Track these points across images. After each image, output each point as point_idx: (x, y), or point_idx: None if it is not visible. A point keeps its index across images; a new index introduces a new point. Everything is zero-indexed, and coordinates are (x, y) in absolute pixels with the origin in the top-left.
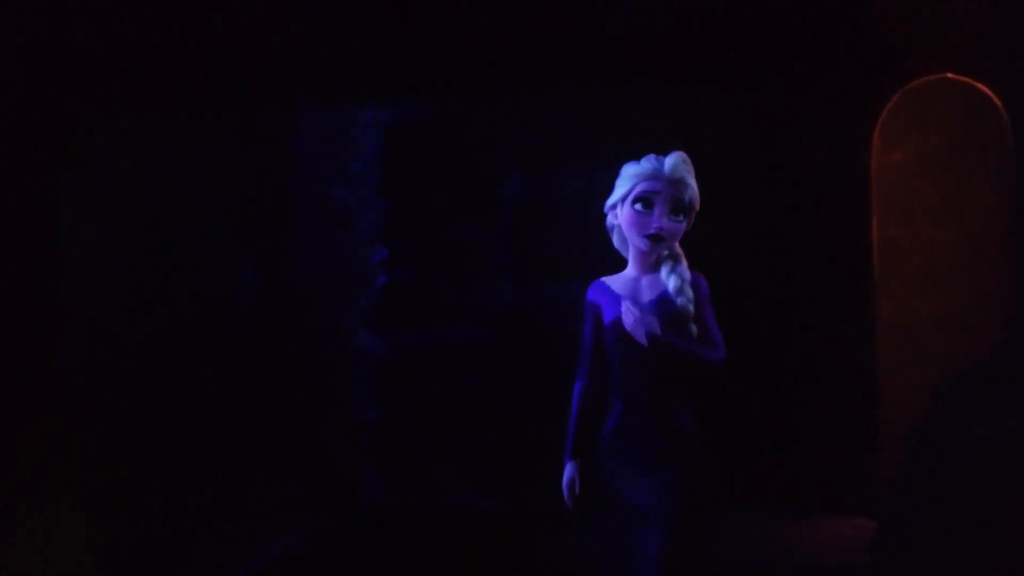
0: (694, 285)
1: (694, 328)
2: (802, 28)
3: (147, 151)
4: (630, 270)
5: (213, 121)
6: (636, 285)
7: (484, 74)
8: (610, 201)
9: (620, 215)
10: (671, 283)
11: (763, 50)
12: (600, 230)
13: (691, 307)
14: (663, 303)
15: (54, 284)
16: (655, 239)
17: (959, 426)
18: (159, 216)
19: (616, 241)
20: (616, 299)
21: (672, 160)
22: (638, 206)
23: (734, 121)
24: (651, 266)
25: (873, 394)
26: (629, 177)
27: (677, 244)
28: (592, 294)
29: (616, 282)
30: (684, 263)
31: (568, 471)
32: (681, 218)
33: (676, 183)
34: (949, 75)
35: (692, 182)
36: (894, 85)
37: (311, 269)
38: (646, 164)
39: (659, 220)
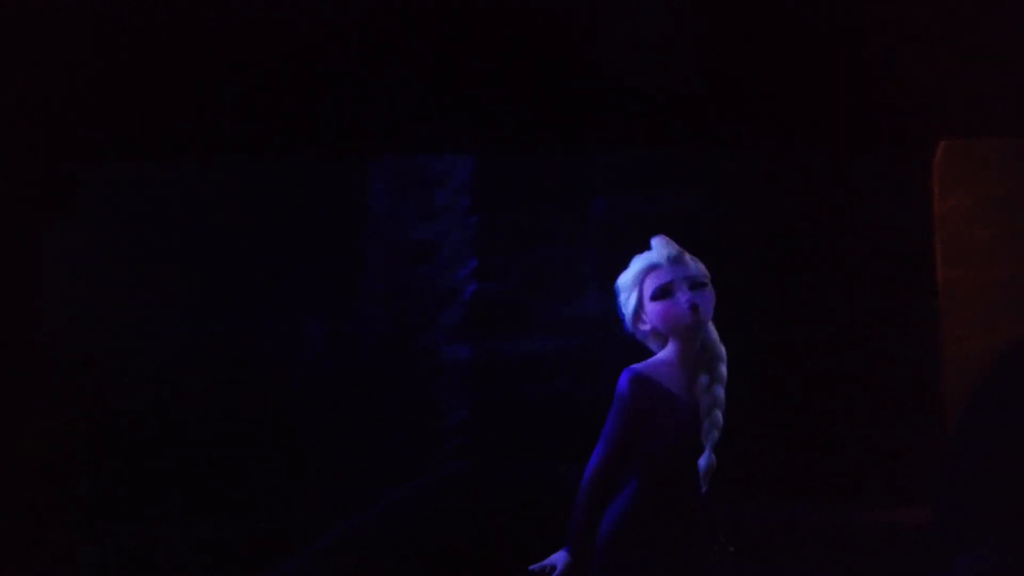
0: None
1: (705, 460)
2: (859, 81)
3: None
4: (670, 356)
5: (279, 166)
6: (675, 376)
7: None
8: (628, 318)
9: (648, 318)
10: (704, 400)
11: (816, 105)
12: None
13: (717, 434)
14: (691, 410)
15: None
16: (691, 312)
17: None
18: (209, 269)
19: (654, 346)
20: (669, 397)
21: (657, 247)
22: (659, 296)
23: (798, 174)
24: (689, 355)
25: (938, 428)
26: (629, 285)
27: (721, 345)
28: (627, 380)
29: (657, 371)
30: (723, 365)
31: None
32: (708, 291)
33: (676, 261)
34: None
35: (688, 257)
36: (948, 132)
37: (390, 306)
38: (637, 264)
39: (688, 295)
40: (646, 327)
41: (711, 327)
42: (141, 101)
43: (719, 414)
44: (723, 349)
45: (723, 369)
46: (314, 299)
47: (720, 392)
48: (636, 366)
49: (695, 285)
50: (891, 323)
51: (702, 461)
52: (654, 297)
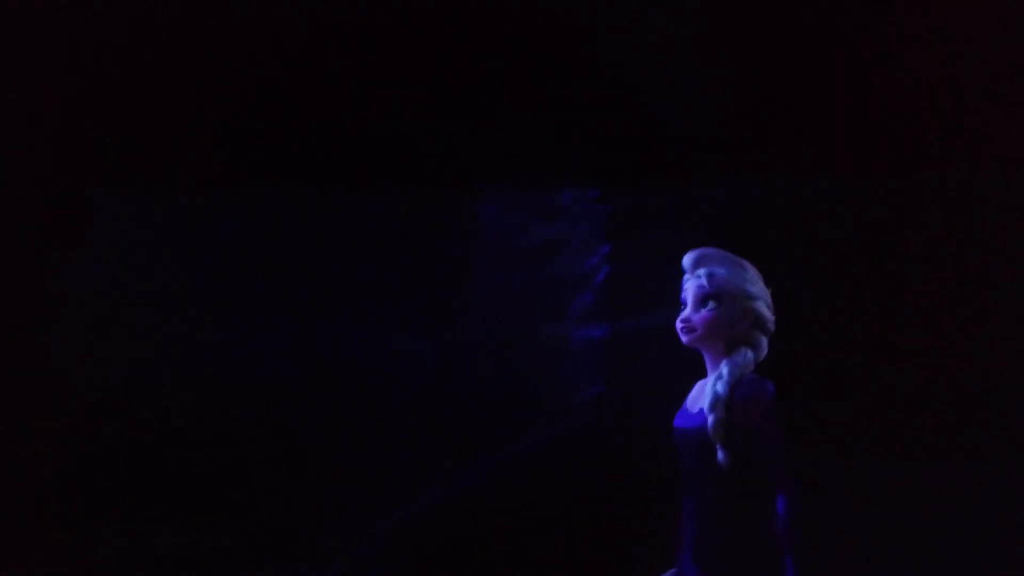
0: (747, 395)
1: (722, 456)
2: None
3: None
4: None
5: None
6: (700, 391)
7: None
8: None
9: None
10: (707, 396)
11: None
12: None
13: (720, 428)
14: (703, 416)
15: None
16: (684, 331)
17: None
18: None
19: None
20: (683, 410)
21: (688, 258)
22: (681, 311)
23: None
24: (715, 367)
25: None
26: None
27: (747, 349)
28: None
29: (695, 388)
30: (733, 368)
31: None
32: (711, 306)
33: (697, 275)
34: None
35: (718, 269)
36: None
37: (504, 313)
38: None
39: (686, 312)
40: None
41: (742, 350)
42: (188, 127)
43: (721, 403)
44: (748, 355)
45: (728, 366)
46: (420, 317)
47: (724, 380)
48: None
49: (703, 300)
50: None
51: (718, 457)
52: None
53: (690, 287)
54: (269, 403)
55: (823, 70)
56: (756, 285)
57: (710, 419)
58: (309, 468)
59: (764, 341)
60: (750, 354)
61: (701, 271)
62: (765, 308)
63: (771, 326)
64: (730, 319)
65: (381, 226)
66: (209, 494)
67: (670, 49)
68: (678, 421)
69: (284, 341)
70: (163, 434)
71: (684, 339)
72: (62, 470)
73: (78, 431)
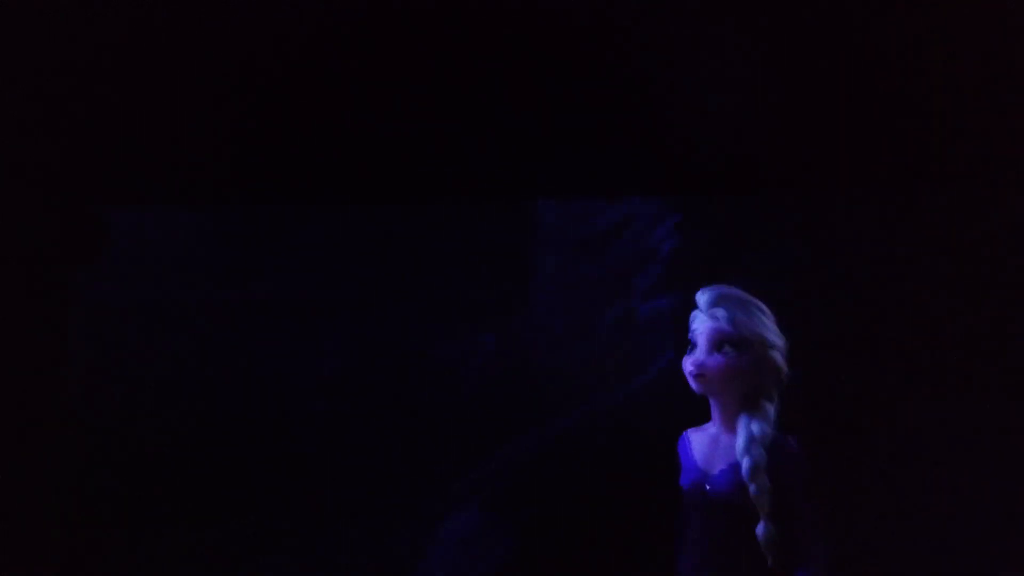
0: (783, 460)
1: (765, 529)
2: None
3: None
4: (712, 424)
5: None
6: (715, 447)
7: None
8: None
9: None
10: (745, 464)
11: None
12: None
13: (766, 498)
14: (736, 481)
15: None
16: (695, 377)
17: None
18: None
19: None
20: (692, 466)
21: (705, 295)
22: (688, 351)
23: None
24: (730, 420)
25: None
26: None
27: (769, 405)
28: (680, 445)
29: (698, 438)
30: (766, 428)
31: None
32: (728, 351)
33: (714, 315)
34: None
35: (738, 312)
36: None
37: (567, 300)
38: (694, 312)
39: (698, 355)
40: None
41: (765, 405)
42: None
43: (763, 471)
44: (771, 411)
45: (760, 427)
46: (483, 311)
47: (759, 443)
48: (689, 430)
49: (718, 344)
50: None
51: (759, 530)
52: (688, 348)
53: (704, 326)
54: (328, 400)
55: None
56: (775, 333)
57: (752, 488)
58: (380, 459)
59: (777, 394)
60: (771, 409)
61: (719, 311)
62: (782, 358)
63: (785, 378)
64: (749, 369)
65: (434, 237)
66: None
67: (731, 61)
68: (694, 483)
69: (340, 344)
70: (212, 445)
71: (694, 386)
72: (83, 482)
73: (98, 444)
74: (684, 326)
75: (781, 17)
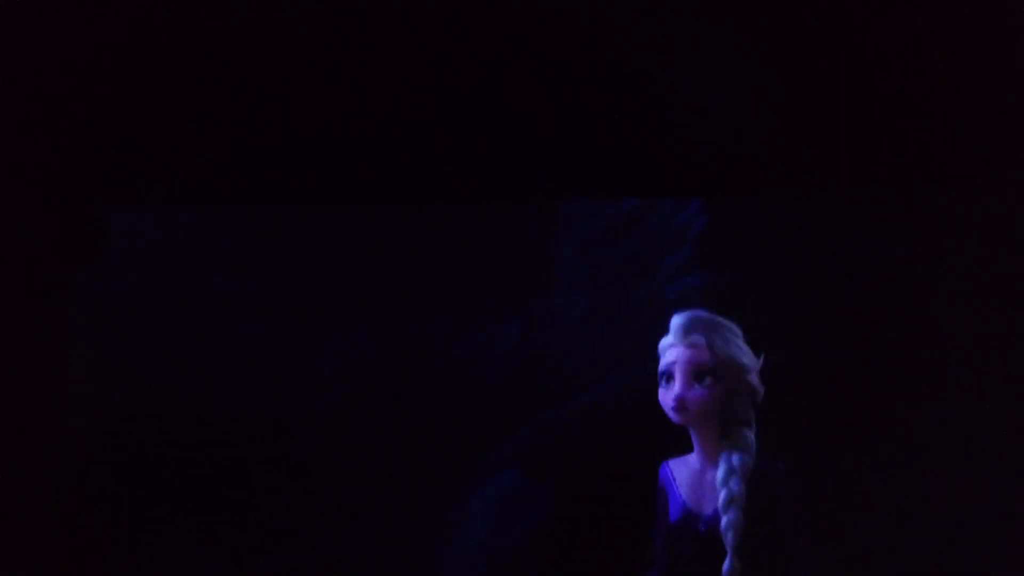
0: (768, 489)
1: (727, 566)
2: None
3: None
4: (695, 456)
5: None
6: (701, 483)
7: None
8: None
9: None
10: (721, 495)
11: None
12: None
13: (734, 533)
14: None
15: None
16: (677, 411)
17: None
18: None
19: None
20: (680, 504)
21: (679, 320)
22: (662, 383)
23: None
24: (712, 451)
25: None
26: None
27: (747, 431)
28: (662, 476)
29: (682, 473)
30: (746, 459)
31: None
32: (708, 382)
33: (691, 345)
34: None
35: (715, 338)
36: None
37: (590, 288)
38: (664, 339)
39: (679, 389)
40: None
41: (744, 432)
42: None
43: (738, 502)
44: (750, 438)
45: (740, 459)
46: (503, 301)
47: (737, 474)
48: (669, 461)
49: (698, 375)
50: None
51: (724, 567)
52: (660, 378)
53: (680, 356)
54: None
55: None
56: (748, 354)
57: (723, 520)
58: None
59: (754, 418)
60: (751, 436)
61: (696, 338)
62: (758, 380)
63: (761, 399)
64: (728, 397)
65: (444, 238)
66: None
67: (731, 60)
68: (683, 520)
69: (357, 339)
70: (212, 448)
71: (674, 418)
72: (82, 483)
73: (97, 444)
74: (715, 302)
75: (781, 17)
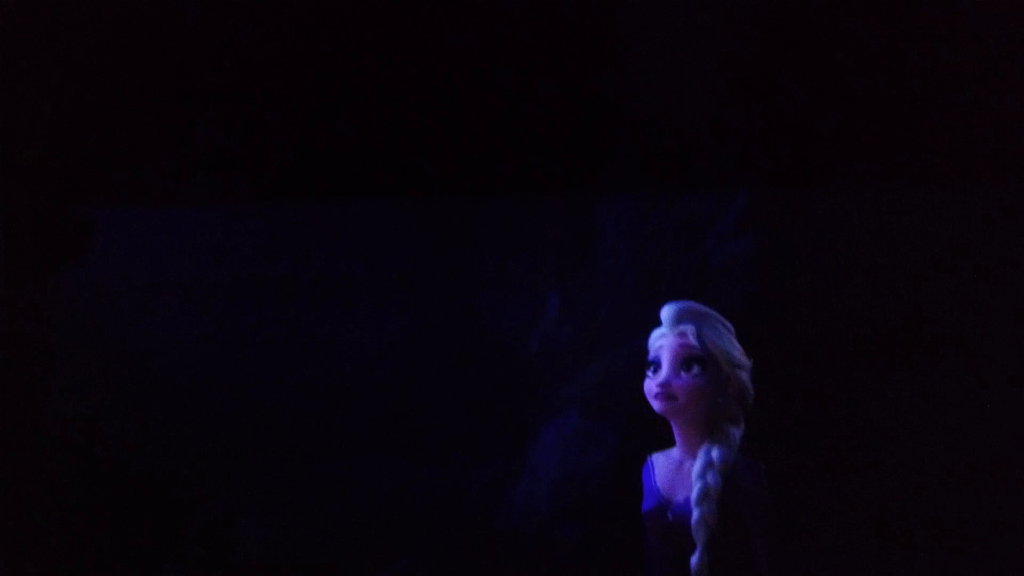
0: (745, 487)
1: (696, 560)
2: None
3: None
4: (676, 449)
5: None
6: (678, 473)
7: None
8: None
9: None
10: (696, 487)
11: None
12: None
13: (704, 529)
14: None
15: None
16: (662, 399)
17: None
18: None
19: None
20: (653, 492)
21: (669, 310)
22: (649, 371)
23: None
24: (693, 445)
25: None
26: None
27: (733, 428)
28: (644, 467)
29: (662, 463)
30: (726, 454)
31: None
32: (696, 371)
33: (680, 331)
34: None
35: (705, 328)
36: None
37: (635, 258)
38: (655, 330)
39: (665, 374)
40: None
41: (729, 429)
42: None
43: (712, 494)
44: (735, 436)
45: (720, 453)
46: (545, 273)
47: (715, 469)
48: (653, 455)
49: (686, 362)
50: None
51: (692, 560)
52: (647, 368)
53: (669, 344)
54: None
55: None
56: (741, 353)
57: (695, 514)
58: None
59: (742, 418)
60: (737, 434)
61: (686, 327)
62: (748, 380)
63: (751, 401)
64: (715, 388)
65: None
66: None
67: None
68: (655, 509)
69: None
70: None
71: (658, 406)
72: (66, 480)
73: (83, 443)
74: (759, 268)
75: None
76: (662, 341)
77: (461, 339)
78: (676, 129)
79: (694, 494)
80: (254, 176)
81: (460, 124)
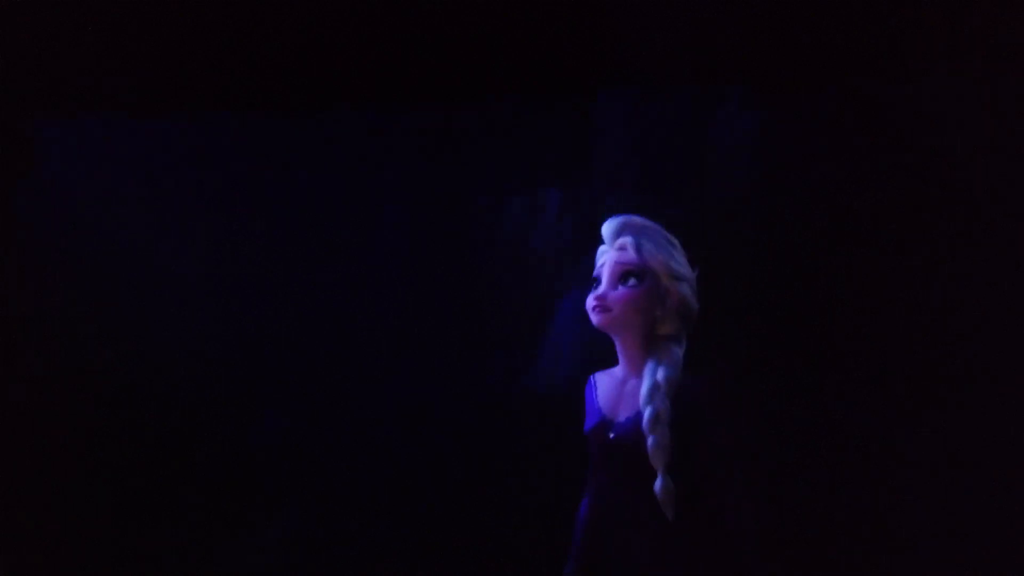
0: (685, 400)
1: (662, 484)
2: None
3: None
4: (619, 367)
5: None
6: (620, 392)
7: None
8: None
9: None
10: (645, 413)
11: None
12: None
13: (662, 453)
14: (640, 431)
15: None
16: (598, 311)
17: None
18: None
19: None
20: (595, 411)
21: (609, 225)
22: (593, 288)
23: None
24: (636, 362)
25: None
26: None
27: (674, 347)
28: (587, 387)
29: (604, 382)
30: (671, 374)
31: None
32: (632, 283)
33: (619, 246)
34: None
35: (644, 240)
36: None
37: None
38: (600, 247)
39: (603, 288)
40: None
41: (673, 348)
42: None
43: (664, 413)
44: (678, 354)
45: (665, 374)
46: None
47: (662, 387)
48: (596, 373)
49: (624, 275)
50: None
51: (656, 485)
52: (592, 285)
53: (608, 259)
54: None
55: None
56: (683, 265)
57: (649, 441)
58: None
59: (685, 335)
60: (679, 352)
61: (625, 240)
62: (691, 293)
63: (695, 316)
64: (652, 300)
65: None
66: None
67: None
68: (596, 428)
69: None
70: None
71: (595, 319)
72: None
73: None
74: (765, 140)
75: None
76: (604, 258)
77: (461, 239)
78: (674, 24)
79: (644, 420)
80: (243, 83)
81: (455, 22)
